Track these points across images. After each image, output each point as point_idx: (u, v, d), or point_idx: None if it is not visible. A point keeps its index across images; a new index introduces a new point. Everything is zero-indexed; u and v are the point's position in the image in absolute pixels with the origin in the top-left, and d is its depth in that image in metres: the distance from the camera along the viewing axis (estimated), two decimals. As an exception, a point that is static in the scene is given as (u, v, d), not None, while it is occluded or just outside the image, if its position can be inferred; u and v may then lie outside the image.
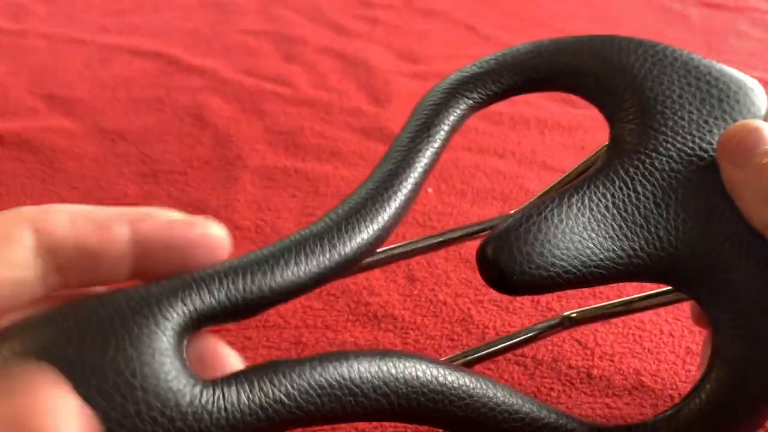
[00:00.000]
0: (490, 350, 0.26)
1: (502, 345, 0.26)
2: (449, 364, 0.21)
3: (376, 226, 0.21)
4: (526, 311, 0.33)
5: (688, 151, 0.23)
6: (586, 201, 0.22)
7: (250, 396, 0.17)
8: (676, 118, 0.23)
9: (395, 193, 0.22)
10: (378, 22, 0.67)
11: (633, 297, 0.27)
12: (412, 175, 0.22)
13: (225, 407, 0.17)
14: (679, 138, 0.23)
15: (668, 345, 0.31)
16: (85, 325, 0.16)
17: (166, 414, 0.16)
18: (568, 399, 0.29)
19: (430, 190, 0.42)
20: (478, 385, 0.21)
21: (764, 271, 0.22)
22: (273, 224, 0.39)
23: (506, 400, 0.21)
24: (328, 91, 0.54)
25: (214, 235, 0.19)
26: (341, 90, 0.54)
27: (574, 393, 0.29)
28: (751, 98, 0.24)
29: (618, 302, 0.27)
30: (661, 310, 0.33)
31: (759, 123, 0.22)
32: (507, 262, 0.21)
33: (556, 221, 0.22)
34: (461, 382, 0.20)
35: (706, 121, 0.23)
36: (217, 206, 0.41)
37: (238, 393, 0.17)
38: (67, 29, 0.63)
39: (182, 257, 0.18)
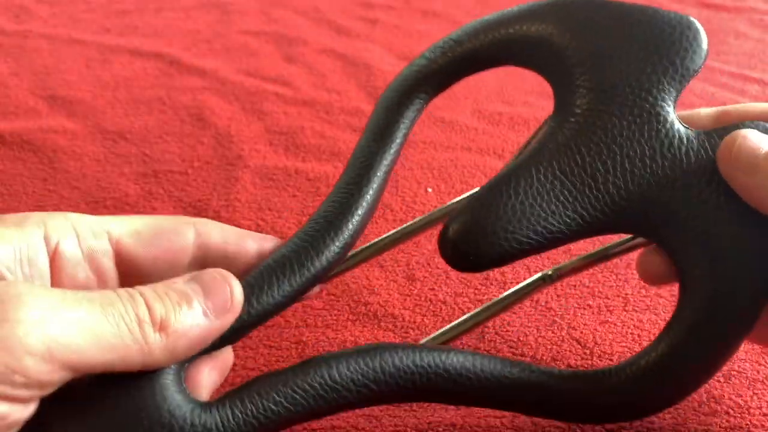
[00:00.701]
0: (475, 321, 0.27)
1: (487, 313, 0.27)
2: (425, 345, 0.23)
3: (341, 240, 0.23)
4: (525, 310, 0.33)
5: (629, 103, 0.23)
6: (533, 173, 0.23)
7: (243, 410, 0.20)
8: (612, 72, 0.23)
9: (357, 204, 0.23)
10: (378, 22, 0.67)
11: (606, 245, 0.27)
12: (373, 181, 0.24)
13: (222, 424, 0.20)
14: (618, 92, 0.23)
15: (667, 344, 0.32)
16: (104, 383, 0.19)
17: None
18: (567, 398, 0.29)
19: (429, 189, 0.42)
20: (454, 359, 0.23)
21: (730, 212, 0.23)
22: (273, 224, 0.40)
23: (482, 367, 0.23)
24: (328, 92, 0.54)
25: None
26: (341, 90, 0.55)
27: (573, 392, 0.29)
28: (688, 38, 0.24)
29: (593, 253, 0.27)
30: (660, 310, 0.33)
31: (745, 130, 0.23)
32: (465, 242, 0.23)
33: (505, 199, 0.23)
34: (437, 360, 0.23)
35: (643, 70, 0.23)
36: (218, 206, 0.41)
37: (232, 410, 0.20)
38: (69, 30, 0.64)
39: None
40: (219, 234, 0.23)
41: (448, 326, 0.27)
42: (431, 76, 0.25)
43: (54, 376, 0.17)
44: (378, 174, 0.24)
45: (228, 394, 0.21)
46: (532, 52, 0.25)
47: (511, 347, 0.31)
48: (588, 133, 0.23)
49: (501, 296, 0.28)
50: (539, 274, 0.28)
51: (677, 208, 0.23)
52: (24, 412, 0.18)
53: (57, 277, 0.21)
